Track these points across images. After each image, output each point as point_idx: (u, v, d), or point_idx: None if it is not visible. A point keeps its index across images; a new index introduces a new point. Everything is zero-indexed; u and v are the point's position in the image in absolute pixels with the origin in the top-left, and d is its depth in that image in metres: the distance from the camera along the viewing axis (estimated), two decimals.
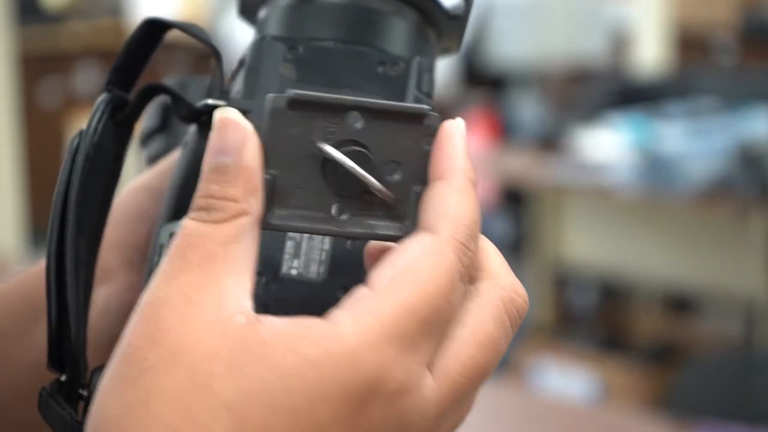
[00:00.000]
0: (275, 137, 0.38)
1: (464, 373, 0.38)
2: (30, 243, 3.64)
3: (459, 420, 0.40)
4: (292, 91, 0.38)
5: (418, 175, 0.39)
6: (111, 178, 0.47)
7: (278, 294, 0.43)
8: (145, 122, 0.60)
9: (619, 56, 4.68)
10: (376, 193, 0.39)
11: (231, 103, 0.46)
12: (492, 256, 0.40)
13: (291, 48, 0.47)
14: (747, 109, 3.30)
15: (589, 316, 3.72)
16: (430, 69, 0.48)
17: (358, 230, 0.39)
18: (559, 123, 3.91)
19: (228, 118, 0.38)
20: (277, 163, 0.38)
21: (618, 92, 3.70)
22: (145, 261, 0.47)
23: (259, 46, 0.47)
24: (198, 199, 0.37)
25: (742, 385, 2.62)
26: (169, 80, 0.55)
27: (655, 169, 3.08)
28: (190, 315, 0.36)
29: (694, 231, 3.30)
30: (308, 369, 0.35)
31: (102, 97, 0.46)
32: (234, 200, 0.37)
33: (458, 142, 0.40)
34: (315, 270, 0.43)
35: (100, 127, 0.46)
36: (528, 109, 4.41)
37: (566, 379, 3.17)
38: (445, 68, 4.67)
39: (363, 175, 0.38)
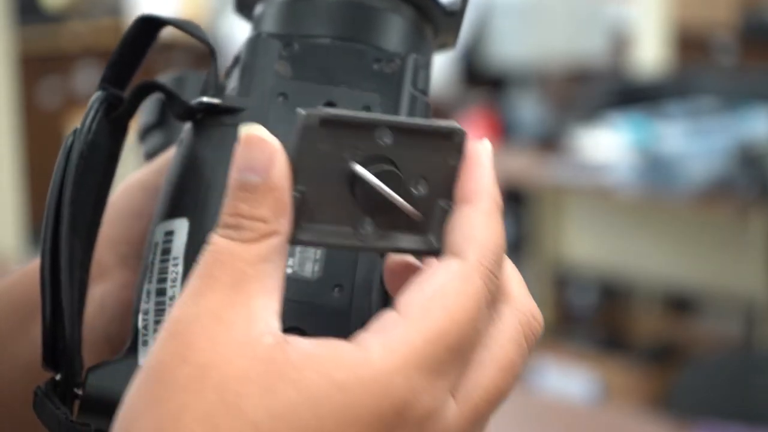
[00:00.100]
0: (304, 154, 0.37)
1: (485, 398, 0.38)
2: (30, 243, 3.63)
3: None
4: (324, 110, 0.37)
5: (444, 189, 0.39)
6: (105, 177, 0.47)
7: None
8: (143, 117, 0.60)
9: (619, 56, 4.68)
10: (404, 211, 0.39)
11: (226, 101, 0.46)
12: (513, 279, 0.41)
13: (286, 45, 0.47)
14: (747, 109, 3.29)
15: (589, 316, 3.72)
16: (426, 66, 0.48)
17: (384, 244, 0.39)
18: (559, 123, 3.91)
19: (254, 135, 0.37)
20: (305, 180, 0.37)
21: (618, 92, 3.70)
22: (140, 258, 0.47)
23: (254, 43, 0.47)
24: (226, 216, 0.37)
25: (742, 385, 2.62)
26: (166, 76, 0.55)
27: (655, 169, 3.09)
28: (220, 334, 0.36)
29: (694, 231, 3.30)
30: (337, 393, 0.35)
31: (96, 95, 0.46)
32: (263, 221, 0.37)
33: (485, 165, 0.40)
34: (310, 268, 0.43)
35: (94, 125, 0.45)
36: (528, 109, 4.41)
37: (566, 379, 3.17)
38: (445, 68, 4.67)
39: (393, 197, 0.38)
